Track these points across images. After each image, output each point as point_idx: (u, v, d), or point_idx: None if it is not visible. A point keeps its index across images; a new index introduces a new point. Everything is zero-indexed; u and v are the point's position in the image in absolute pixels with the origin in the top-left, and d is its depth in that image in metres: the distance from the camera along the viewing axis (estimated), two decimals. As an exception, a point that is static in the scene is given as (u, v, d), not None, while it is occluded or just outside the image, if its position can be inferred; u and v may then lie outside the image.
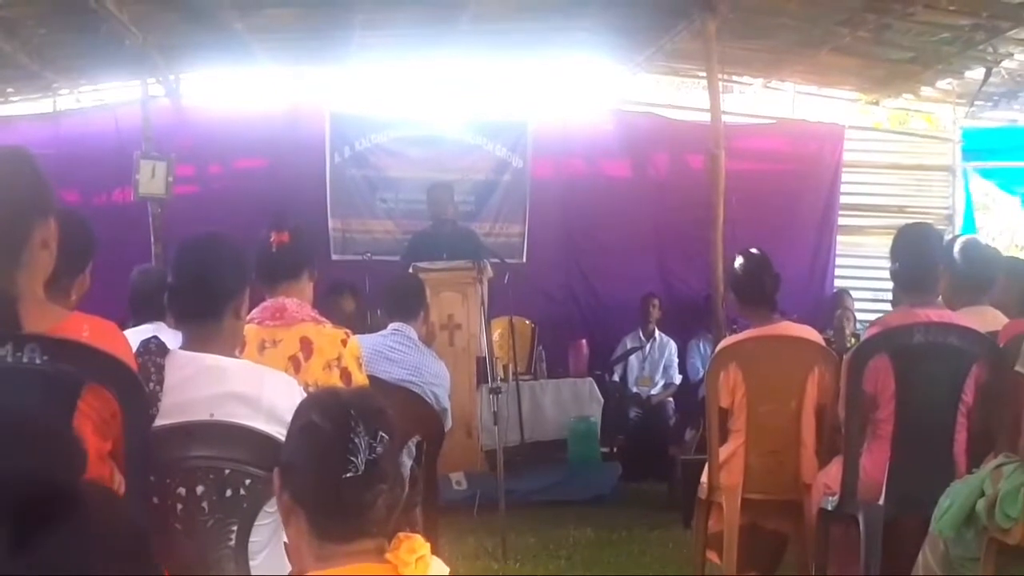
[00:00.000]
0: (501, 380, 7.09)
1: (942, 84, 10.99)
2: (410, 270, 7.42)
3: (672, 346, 9.98)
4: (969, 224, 11.47)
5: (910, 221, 11.37)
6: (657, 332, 9.98)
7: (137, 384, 2.60)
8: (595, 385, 9.12)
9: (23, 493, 0.99)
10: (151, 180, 8.05)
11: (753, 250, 5.29)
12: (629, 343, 9.91)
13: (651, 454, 8.77)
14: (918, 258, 4.55)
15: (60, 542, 0.96)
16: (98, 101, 9.66)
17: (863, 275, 10.89)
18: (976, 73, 10.28)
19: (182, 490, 2.73)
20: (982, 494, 3.66)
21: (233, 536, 2.78)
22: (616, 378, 9.79)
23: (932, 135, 12.12)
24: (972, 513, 3.66)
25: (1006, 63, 9.86)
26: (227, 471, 2.80)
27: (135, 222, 8.15)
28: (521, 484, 7.60)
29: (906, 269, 4.56)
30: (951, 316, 4.50)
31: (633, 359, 9.87)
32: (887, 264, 4.67)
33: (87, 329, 2.52)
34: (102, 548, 1.01)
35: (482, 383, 7.58)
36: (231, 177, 9.47)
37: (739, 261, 5.27)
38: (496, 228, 10.19)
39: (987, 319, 4.56)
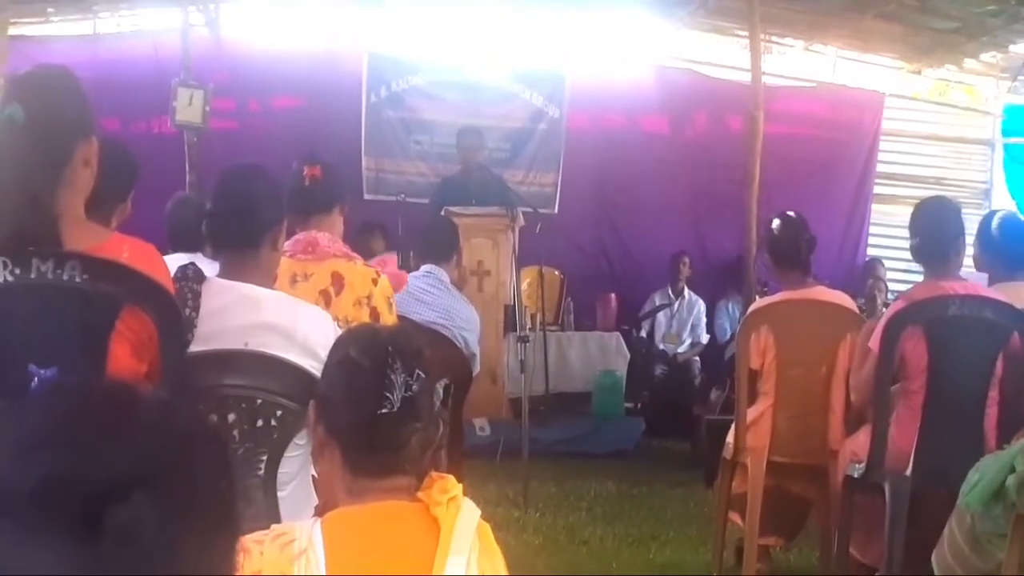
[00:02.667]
0: (529, 329, 7.07)
1: (986, 57, 10.85)
2: (442, 213, 7.38)
3: (701, 305, 9.95)
4: (1008, 199, 11.34)
5: (945, 192, 11.41)
6: (687, 290, 9.94)
7: (175, 307, 2.59)
8: (622, 340, 9.11)
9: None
10: (188, 107, 8.00)
11: (790, 213, 5.25)
12: (658, 300, 9.89)
13: (675, 412, 8.76)
14: (938, 231, 4.53)
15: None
16: (137, 27, 9.62)
17: (896, 245, 10.78)
18: (1021, 48, 10.14)
19: (214, 417, 2.73)
20: (1012, 470, 3.62)
21: (262, 466, 2.79)
22: (643, 334, 9.76)
23: (973, 108, 11.97)
24: (1001, 489, 3.62)
25: (1052, 39, 9.72)
26: (259, 401, 2.81)
27: (172, 152, 8.12)
28: (544, 434, 7.61)
29: (927, 243, 4.53)
30: (979, 289, 4.47)
31: (661, 316, 9.85)
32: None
33: (127, 250, 2.51)
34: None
35: (509, 331, 7.58)
36: (269, 114, 9.42)
37: (775, 223, 5.22)
38: (529, 177, 10.14)
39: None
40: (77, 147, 2.49)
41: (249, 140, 8.58)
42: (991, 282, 4.64)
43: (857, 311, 5.36)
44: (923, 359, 4.34)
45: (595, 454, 7.91)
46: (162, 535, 0.90)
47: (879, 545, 4.37)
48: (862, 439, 4.55)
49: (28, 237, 2.39)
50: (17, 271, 2.37)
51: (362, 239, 7.28)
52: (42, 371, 2.33)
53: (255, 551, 1.92)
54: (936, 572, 3.66)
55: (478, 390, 6.10)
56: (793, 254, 5.09)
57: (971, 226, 4.81)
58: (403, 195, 8.79)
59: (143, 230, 2.77)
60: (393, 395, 1.99)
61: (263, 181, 3.11)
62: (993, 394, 4.32)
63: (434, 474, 2.09)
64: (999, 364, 4.32)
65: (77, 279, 2.39)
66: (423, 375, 2.04)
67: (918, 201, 4.95)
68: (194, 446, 1.00)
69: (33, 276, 2.38)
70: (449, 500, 2.02)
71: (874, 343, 4.46)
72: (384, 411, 1.99)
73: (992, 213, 5.11)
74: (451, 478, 2.09)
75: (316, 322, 2.96)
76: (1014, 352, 4.30)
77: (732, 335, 8.88)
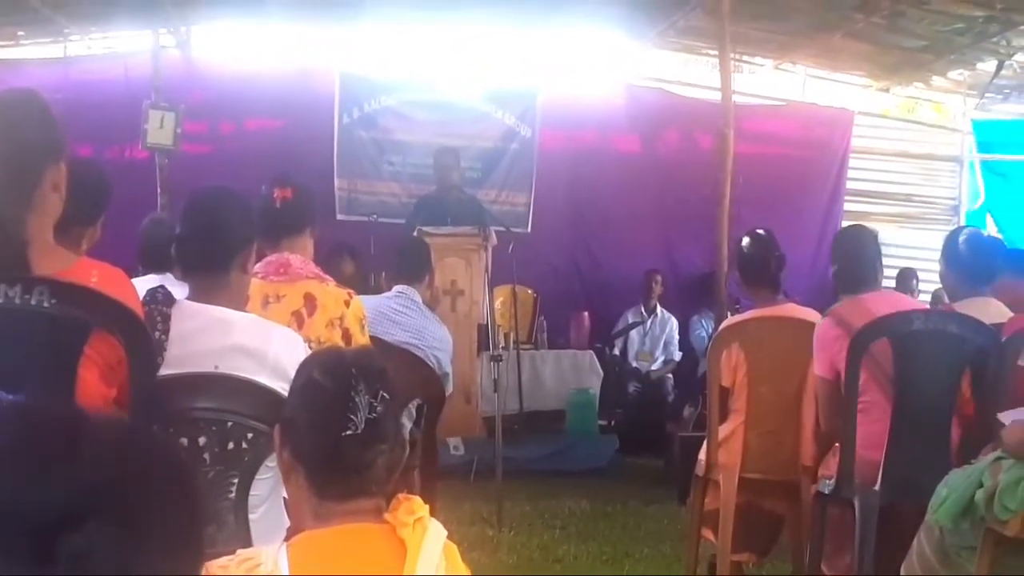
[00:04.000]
0: (502, 348, 7.08)
1: (953, 74, 10.98)
2: (415, 233, 7.39)
3: (673, 323, 10.00)
4: (976, 216, 11.44)
5: (914, 209, 11.51)
6: (659, 308, 10.00)
7: (144, 331, 2.59)
8: (595, 358, 9.13)
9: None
10: (159, 130, 8.00)
11: (760, 230, 5.28)
12: (631, 317, 9.93)
13: (649, 429, 8.78)
14: (859, 253, 4.76)
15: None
16: (108, 49, 9.61)
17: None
18: (988, 65, 10.26)
19: (184, 440, 2.73)
20: (980, 485, 3.65)
21: (234, 489, 2.78)
22: (616, 352, 9.80)
23: (941, 125, 12.08)
24: (970, 504, 3.66)
25: (1019, 56, 9.83)
26: (230, 424, 2.80)
27: (144, 176, 8.11)
28: (518, 452, 7.60)
29: (849, 265, 4.77)
30: (906, 301, 4.70)
31: (634, 334, 9.89)
32: (891, 252, 4.77)
33: (96, 275, 2.50)
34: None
35: (483, 350, 7.59)
36: (241, 136, 9.40)
37: (745, 240, 5.26)
38: (502, 196, 10.18)
39: (990, 310, 4.54)
40: (46, 171, 2.48)
41: (222, 163, 8.56)
42: (956, 298, 4.70)
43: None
44: (868, 371, 4.38)
45: (569, 472, 7.91)
46: (118, 561, 0.90)
47: (846, 558, 4.40)
48: (832, 458, 4.58)
49: (-4, 262, 2.39)
50: (-15, 296, 2.37)
51: (332, 262, 7.27)
52: (9, 397, 2.32)
53: (221, 576, 1.92)
54: (905, 585, 3.69)
55: (451, 410, 6.10)
56: (763, 271, 5.13)
57: (940, 243, 4.90)
58: (375, 215, 8.80)
59: (114, 254, 2.77)
60: (357, 417, 1.99)
61: (231, 203, 3.10)
62: (958, 407, 4.36)
63: (401, 495, 2.09)
64: (964, 377, 4.36)
65: (45, 304, 2.39)
66: (387, 396, 2.03)
67: (895, 217, 5.10)
68: (150, 468, 0.99)
69: (1, 301, 2.37)
70: (415, 521, 2.02)
71: (820, 370, 4.53)
72: (348, 433, 1.99)
73: (958, 229, 5.18)
74: (418, 499, 2.09)
75: (287, 344, 2.96)
76: (978, 366, 4.34)
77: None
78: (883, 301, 4.56)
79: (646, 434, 8.74)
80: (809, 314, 5.18)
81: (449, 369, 5.64)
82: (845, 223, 11.14)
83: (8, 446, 0.94)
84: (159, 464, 1.02)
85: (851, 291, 4.69)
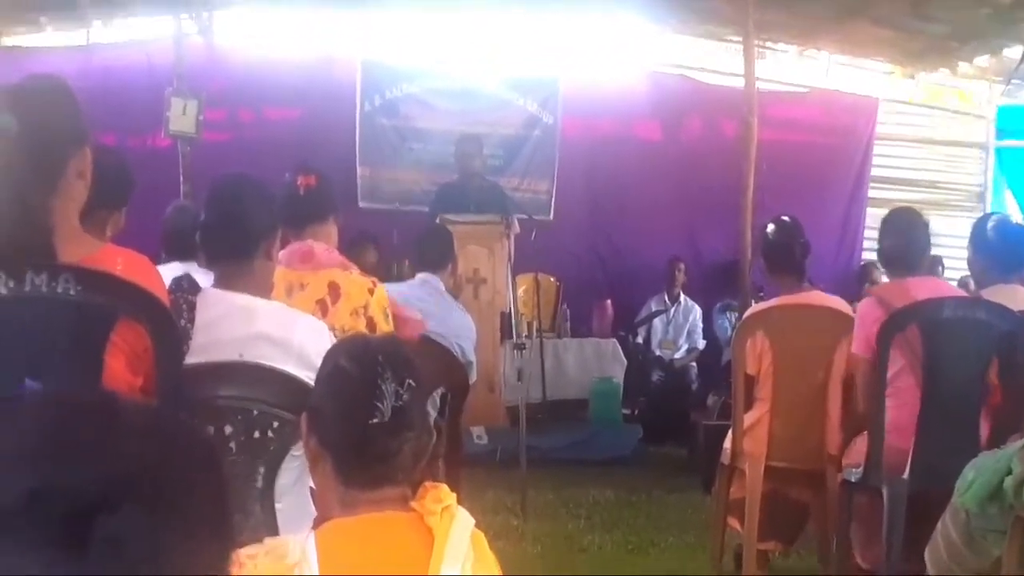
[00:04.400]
0: (525, 337, 7.07)
1: (979, 60, 10.87)
2: (437, 221, 7.37)
3: (697, 311, 9.97)
4: (1000, 202, 11.37)
5: (939, 196, 11.43)
6: (682, 296, 9.96)
7: (170, 319, 2.58)
8: (619, 346, 9.10)
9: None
10: (182, 117, 7.99)
11: (785, 217, 5.25)
12: (654, 306, 9.90)
13: (672, 418, 8.75)
14: (909, 234, 4.71)
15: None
16: (130, 36, 9.61)
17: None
18: (1014, 51, 10.16)
19: (210, 429, 2.72)
20: (1009, 472, 3.61)
21: (260, 477, 2.77)
22: (640, 340, 9.77)
23: (966, 111, 11.99)
24: (998, 489, 3.62)
25: (1045, 43, 9.74)
26: (255, 412, 2.79)
27: (167, 165, 8.11)
28: (542, 441, 7.59)
29: (897, 245, 4.71)
30: (946, 288, 4.66)
31: (657, 322, 9.86)
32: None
33: (121, 262, 2.49)
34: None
35: (506, 339, 7.57)
36: (262, 125, 9.39)
37: (770, 227, 5.23)
38: (524, 184, 10.14)
39: (1018, 297, 4.52)
40: (70, 158, 2.48)
41: (242, 151, 8.54)
42: (983, 285, 4.68)
43: (853, 315, 5.35)
44: (904, 358, 4.35)
45: (593, 461, 7.89)
46: (150, 545, 0.89)
47: (880, 548, 4.37)
48: (859, 446, 4.56)
49: (22, 249, 2.38)
50: (11, 284, 2.35)
51: (354, 252, 7.26)
52: (36, 385, 2.32)
53: (249, 565, 1.91)
54: (929, 567, 3.65)
55: (475, 398, 6.09)
56: (788, 258, 5.10)
57: (965, 230, 4.86)
58: (398, 203, 8.81)
59: (137, 242, 2.76)
60: (383, 405, 1.98)
61: (255, 190, 3.09)
62: (987, 394, 4.34)
63: (428, 483, 2.08)
64: (993, 365, 4.33)
65: (71, 291, 2.38)
66: (414, 384, 2.03)
67: (920, 204, 5.07)
68: (181, 454, 0.99)
69: (27, 289, 2.36)
70: (443, 509, 2.01)
71: (858, 348, 4.50)
72: (375, 421, 1.98)
73: (987, 216, 5.14)
74: (445, 487, 2.08)
75: (312, 332, 2.95)
76: (1006, 352, 4.31)
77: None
78: (924, 286, 4.54)
79: (670, 423, 8.72)
80: (835, 301, 5.16)
81: (473, 357, 5.62)
82: (870, 210, 11.12)
83: (40, 432, 0.93)
84: (189, 449, 1.02)
85: (896, 273, 4.69)
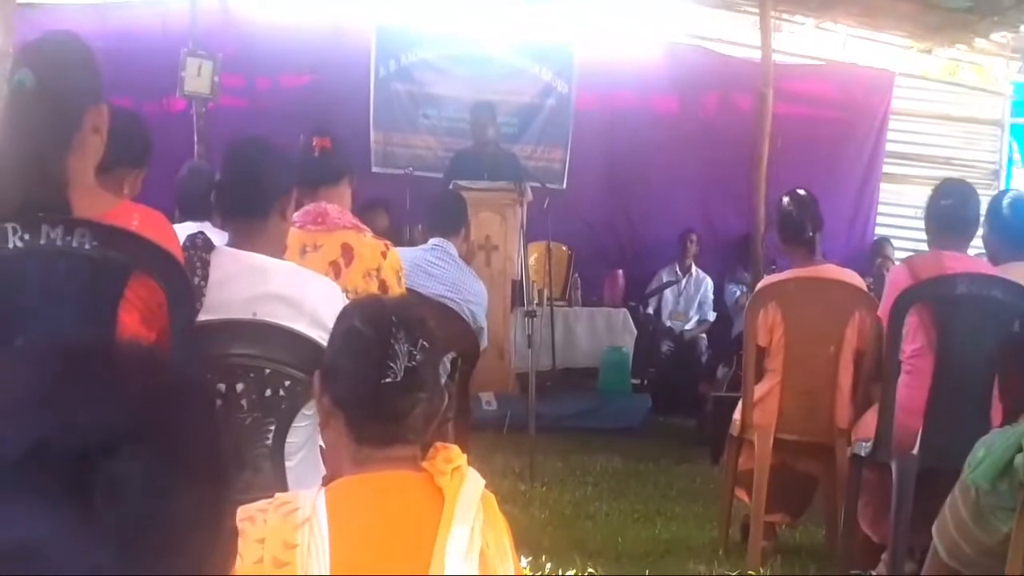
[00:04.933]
0: (536, 304, 7.07)
1: (997, 36, 10.79)
2: (451, 187, 7.37)
3: (708, 283, 9.95)
4: (1015, 180, 11.31)
5: (954, 173, 11.37)
6: (694, 268, 9.94)
7: (184, 276, 2.59)
8: (629, 316, 9.08)
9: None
10: (196, 78, 7.96)
11: (800, 190, 5.23)
12: (665, 276, 9.88)
13: (681, 389, 8.78)
14: (962, 206, 4.61)
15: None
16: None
17: (905, 224, 10.77)
18: (1032, 28, 10.10)
19: (222, 386, 2.73)
20: (1020, 449, 3.61)
21: (270, 436, 2.78)
22: (650, 311, 9.75)
23: (983, 88, 11.91)
24: (1009, 467, 3.61)
25: (1063, 19, 9.67)
26: (267, 371, 2.80)
27: (182, 127, 8.09)
28: (551, 409, 7.60)
29: (947, 213, 4.60)
30: (980, 265, 4.53)
31: (668, 293, 9.84)
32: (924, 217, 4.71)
33: (137, 218, 2.50)
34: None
35: (516, 306, 7.58)
36: (279, 92, 9.33)
37: (785, 200, 5.21)
38: (537, 152, 10.11)
39: (1034, 275, 4.49)
40: (87, 113, 2.49)
41: (259, 117, 8.51)
42: (998, 261, 4.65)
43: (866, 289, 5.35)
44: (926, 336, 4.34)
45: (601, 430, 7.91)
46: (152, 489, 0.89)
47: (887, 523, 4.37)
48: (869, 420, 4.55)
49: (37, 203, 2.39)
50: (26, 237, 2.36)
51: (366, 216, 7.23)
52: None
53: (259, 519, 1.92)
54: (937, 543, 3.65)
55: (485, 364, 6.10)
56: (801, 232, 5.08)
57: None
58: (411, 168, 8.77)
59: (152, 205, 2.76)
60: (396, 365, 2.00)
61: (271, 151, 3.12)
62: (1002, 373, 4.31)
63: (438, 444, 2.10)
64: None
65: (87, 246, 2.39)
66: (427, 345, 2.04)
67: (934, 180, 5.00)
68: (178, 399, 0.99)
69: (42, 242, 2.37)
70: (453, 470, 2.02)
71: (882, 311, 4.49)
72: (387, 380, 1.99)
73: (1003, 193, 5.12)
74: (455, 448, 2.09)
75: (325, 293, 2.96)
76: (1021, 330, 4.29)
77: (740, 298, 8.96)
78: (960, 262, 4.47)
79: (679, 394, 8.75)
80: (847, 275, 5.16)
81: (484, 323, 5.63)
82: (884, 186, 11.08)
83: (37, 380, 0.93)
84: (186, 394, 1.01)
85: (937, 244, 4.63)
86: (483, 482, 2.06)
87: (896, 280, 4.56)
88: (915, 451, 4.29)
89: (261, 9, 9.68)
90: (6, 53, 6.67)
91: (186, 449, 0.95)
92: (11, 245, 2.36)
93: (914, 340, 4.37)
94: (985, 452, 3.66)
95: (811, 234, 5.06)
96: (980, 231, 4.80)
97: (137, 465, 0.88)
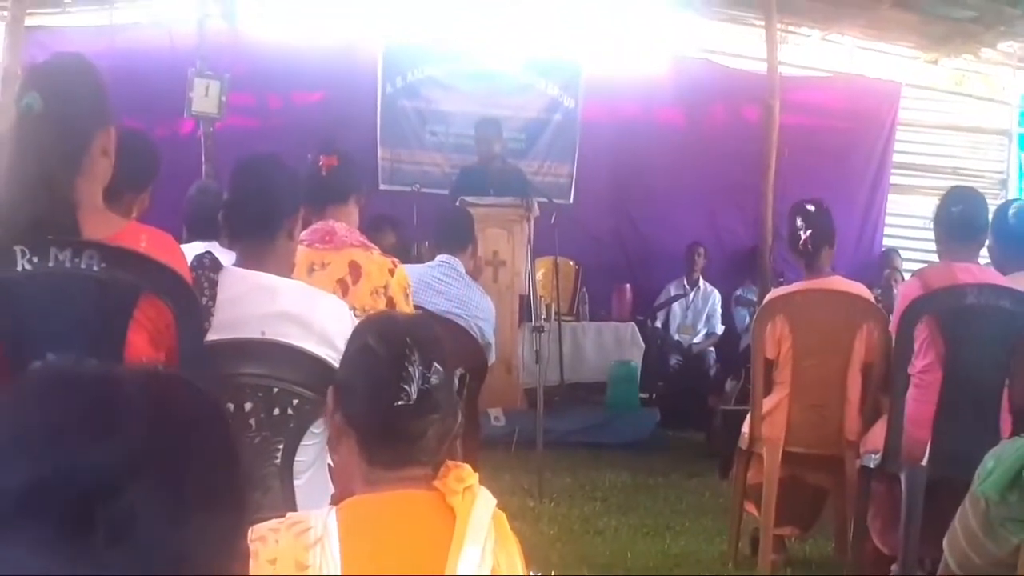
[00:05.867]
0: (544, 320, 7.08)
1: (1003, 46, 10.79)
2: (457, 203, 7.37)
3: (716, 296, 9.94)
4: (1022, 189, 11.30)
5: (962, 183, 11.35)
6: (702, 281, 9.93)
7: (192, 296, 2.60)
8: (637, 330, 9.08)
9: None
10: (204, 98, 7.99)
11: (809, 205, 5.21)
12: (673, 290, 9.87)
13: (690, 403, 8.75)
14: (970, 214, 4.58)
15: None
16: (153, 17, 9.60)
17: (913, 235, 10.75)
18: (1039, 38, 10.09)
19: (230, 406, 2.73)
20: (1029, 460, 3.60)
21: (279, 455, 2.79)
22: (658, 324, 9.74)
23: (990, 98, 11.90)
24: (1018, 477, 3.61)
25: (1071, 29, 9.66)
26: (275, 390, 2.81)
27: (190, 149, 8.11)
28: (559, 424, 7.60)
29: (955, 222, 4.56)
30: (991, 276, 4.50)
31: (676, 306, 9.83)
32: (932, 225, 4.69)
33: (145, 239, 2.51)
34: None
35: (524, 321, 7.58)
36: (289, 110, 9.36)
37: (796, 212, 5.20)
38: (545, 168, 10.12)
39: (1041, 285, 4.48)
40: (95, 136, 2.50)
41: (269, 137, 8.53)
42: (1004, 271, 4.63)
43: (873, 301, 5.34)
44: (935, 350, 4.34)
45: (610, 444, 7.88)
46: (163, 523, 0.88)
47: (897, 534, 4.37)
48: (877, 432, 4.54)
49: (46, 225, 2.40)
50: (35, 259, 2.37)
51: (373, 234, 7.25)
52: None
53: (271, 539, 1.92)
54: (948, 556, 3.64)
55: (493, 380, 6.10)
56: (811, 244, 5.07)
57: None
58: (418, 185, 8.79)
59: (160, 225, 2.77)
60: (410, 388, 1.98)
61: (279, 171, 3.12)
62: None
63: (450, 463, 2.08)
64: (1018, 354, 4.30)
65: (95, 268, 2.40)
66: (441, 367, 2.02)
67: (941, 191, 4.99)
68: (187, 420, 0.97)
69: (51, 265, 2.38)
70: (465, 489, 2.01)
71: (893, 325, 4.49)
72: (400, 403, 1.98)
73: (1009, 203, 5.10)
74: (467, 467, 2.08)
75: (333, 311, 2.97)
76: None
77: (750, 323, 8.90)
78: (970, 273, 4.45)
79: (687, 407, 8.71)
80: (855, 287, 5.15)
81: (492, 339, 5.63)
82: (891, 196, 11.07)
83: (35, 416, 0.91)
84: (194, 414, 0.99)
85: (947, 251, 4.61)
86: (494, 501, 2.05)
87: (907, 292, 4.55)
88: (924, 462, 4.28)
89: (269, 28, 9.73)
90: (15, 75, 6.72)
91: (197, 474, 0.93)
92: (20, 268, 2.37)
93: (925, 356, 4.36)
94: (995, 463, 3.66)
95: (821, 247, 5.05)
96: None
97: (141, 501, 0.87)
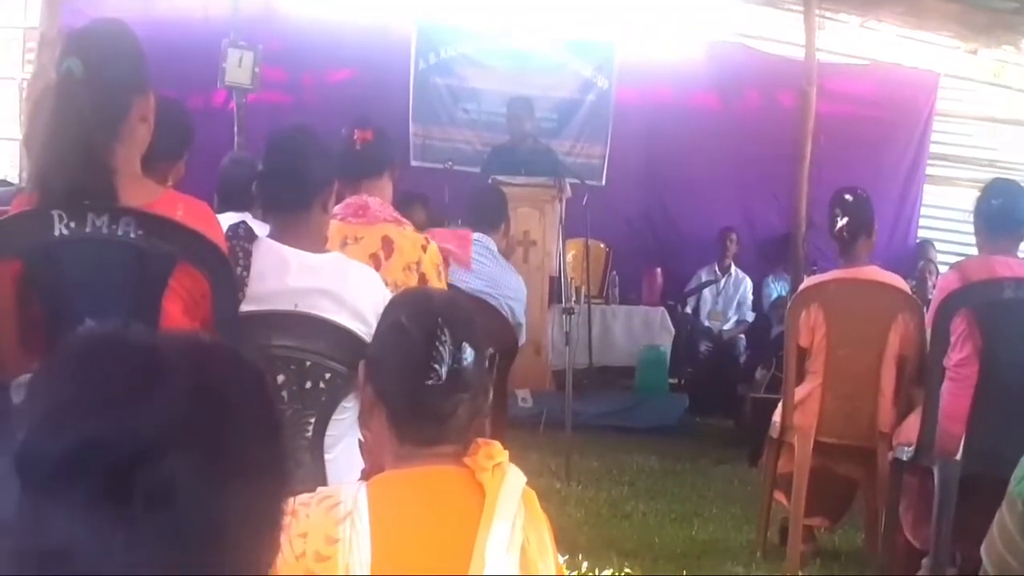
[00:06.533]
0: (574, 302, 7.05)
1: (1044, 37, 10.65)
2: (490, 182, 7.35)
3: (747, 283, 9.87)
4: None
5: (999, 175, 11.24)
6: (733, 267, 9.86)
7: (228, 266, 2.59)
8: (667, 315, 9.03)
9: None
10: (238, 69, 7.95)
11: (848, 194, 5.16)
12: (704, 276, 9.80)
13: (719, 389, 8.71)
14: (1012, 205, 4.53)
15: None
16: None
17: (948, 227, 10.66)
18: (1082, 28, 9.96)
19: (264, 378, 2.72)
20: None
21: (310, 428, 2.79)
22: (689, 310, 9.70)
23: (1029, 89, 11.77)
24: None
25: (1111, 19, 9.52)
26: (308, 363, 2.81)
27: (224, 121, 8.10)
28: (587, 407, 7.57)
29: (997, 214, 4.52)
30: None
31: (707, 292, 9.78)
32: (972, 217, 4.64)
33: (181, 208, 2.51)
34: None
35: (554, 303, 7.55)
36: (322, 87, 9.35)
37: (835, 199, 5.14)
38: (577, 148, 10.06)
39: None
40: (134, 102, 2.50)
41: (302, 111, 8.54)
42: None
43: (909, 292, 5.29)
44: (972, 344, 4.29)
45: (638, 429, 7.86)
46: (203, 493, 0.87)
47: (928, 528, 4.32)
48: (911, 424, 4.50)
49: (84, 191, 2.39)
50: (72, 224, 2.37)
51: (403, 210, 7.22)
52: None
53: (301, 513, 1.91)
54: (986, 562, 3.60)
55: (522, 361, 6.08)
56: (851, 232, 5.02)
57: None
58: (450, 162, 8.75)
59: (193, 195, 2.75)
60: (440, 368, 1.96)
61: (313, 143, 3.11)
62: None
63: (480, 440, 2.07)
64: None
65: (132, 235, 2.39)
66: (472, 346, 2.01)
67: (977, 182, 4.93)
68: (229, 389, 0.95)
69: (88, 230, 2.37)
70: (495, 466, 2.00)
71: (929, 317, 4.44)
72: (430, 382, 1.97)
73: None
74: (497, 444, 2.07)
75: (366, 284, 2.97)
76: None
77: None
78: (1009, 266, 4.40)
79: (717, 394, 8.68)
80: (891, 278, 5.10)
81: (523, 319, 5.62)
82: (927, 187, 10.97)
83: (74, 382, 0.91)
84: (237, 384, 0.97)
85: (987, 244, 4.57)
86: (524, 479, 2.04)
87: (945, 284, 4.51)
88: (958, 456, 4.24)
89: (302, 2, 9.70)
90: (52, 41, 6.72)
91: (238, 445, 0.92)
92: (57, 233, 2.36)
93: (961, 349, 4.31)
94: (1030, 465, 3.61)
95: (857, 236, 5.00)
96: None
97: (181, 469, 0.86)
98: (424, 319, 2.01)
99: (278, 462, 0.98)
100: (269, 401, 1.01)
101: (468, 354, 1.99)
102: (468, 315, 2.09)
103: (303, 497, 1.96)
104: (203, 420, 0.90)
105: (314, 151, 3.08)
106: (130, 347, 0.95)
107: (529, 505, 2.03)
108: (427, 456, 2.02)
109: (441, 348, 1.97)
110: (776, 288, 9.75)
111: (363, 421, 2.17)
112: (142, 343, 0.96)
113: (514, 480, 2.01)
